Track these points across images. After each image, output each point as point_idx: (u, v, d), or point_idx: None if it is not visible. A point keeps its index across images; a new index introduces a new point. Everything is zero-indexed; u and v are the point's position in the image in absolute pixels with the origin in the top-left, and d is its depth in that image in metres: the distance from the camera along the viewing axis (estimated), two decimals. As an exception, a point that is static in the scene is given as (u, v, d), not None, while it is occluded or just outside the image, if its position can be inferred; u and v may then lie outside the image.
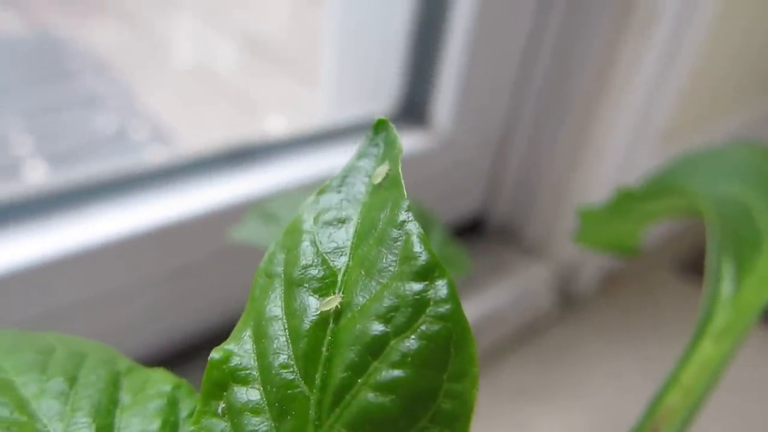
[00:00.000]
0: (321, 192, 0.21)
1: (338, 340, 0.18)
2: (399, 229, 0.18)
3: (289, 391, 0.18)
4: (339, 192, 0.21)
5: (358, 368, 0.17)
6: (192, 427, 0.19)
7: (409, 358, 0.17)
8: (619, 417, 0.66)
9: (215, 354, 0.20)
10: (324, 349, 0.18)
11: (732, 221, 0.32)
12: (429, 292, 0.17)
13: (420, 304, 0.17)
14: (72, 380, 0.22)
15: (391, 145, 0.20)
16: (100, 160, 0.79)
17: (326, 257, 0.19)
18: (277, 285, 0.20)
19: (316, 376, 0.18)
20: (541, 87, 0.72)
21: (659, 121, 0.74)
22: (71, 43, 1.00)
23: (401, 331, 0.17)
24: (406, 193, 0.19)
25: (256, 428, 0.18)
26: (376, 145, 0.21)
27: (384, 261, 0.18)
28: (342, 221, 0.20)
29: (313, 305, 0.19)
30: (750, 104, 1.02)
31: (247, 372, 0.19)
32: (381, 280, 0.18)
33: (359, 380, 0.17)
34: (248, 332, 0.20)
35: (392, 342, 0.17)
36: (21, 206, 0.47)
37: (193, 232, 0.52)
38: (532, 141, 0.75)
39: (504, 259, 0.78)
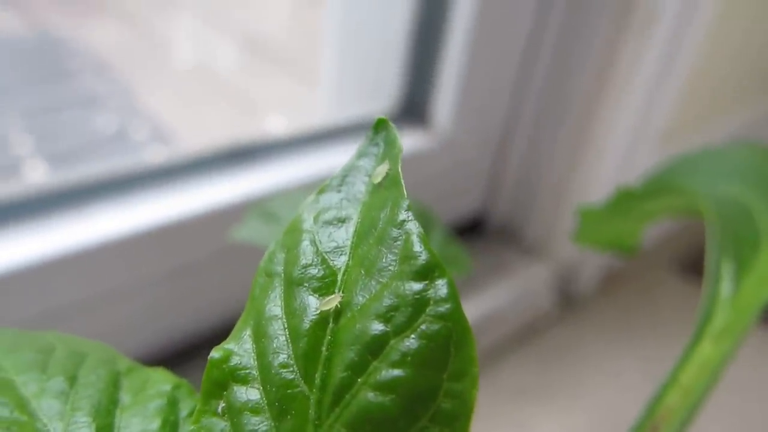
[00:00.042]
0: (321, 191, 0.21)
1: (338, 340, 0.18)
2: (399, 229, 0.18)
3: (288, 391, 0.18)
4: (339, 191, 0.21)
5: (358, 368, 0.17)
6: (192, 427, 0.19)
7: (409, 358, 0.17)
8: (619, 416, 0.66)
9: (215, 353, 0.20)
10: (324, 348, 0.18)
11: (732, 221, 0.32)
12: (429, 292, 0.17)
13: (420, 303, 0.17)
14: (72, 380, 0.22)
15: (391, 144, 0.20)
16: (100, 159, 0.79)
17: (326, 256, 0.20)
18: (277, 284, 0.20)
19: (316, 375, 0.18)
20: (541, 87, 0.72)
21: (659, 121, 0.74)
22: (71, 42, 1.00)
23: (401, 331, 0.17)
24: (406, 193, 0.19)
25: (256, 428, 0.18)
26: (376, 144, 0.21)
27: (384, 260, 0.18)
28: (342, 221, 0.20)
29: (313, 305, 0.19)
30: (750, 104, 1.02)
31: (247, 371, 0.19)
32: (381, 280, 0.18)
33: (359, 380, 0.17)
34: (248, 331, 0.20)
35: (392, 341, 0.17)
36: (21, 206, 0.47)
37: (193, 231, 0.52)
38: (532, 141, 0.75)
39: (504, 259, 0.78)
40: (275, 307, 0.19)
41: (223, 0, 1.13)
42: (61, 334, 0.24)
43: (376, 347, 0.17)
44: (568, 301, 0.81)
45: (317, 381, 0.18)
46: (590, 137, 0.70)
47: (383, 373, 0.17)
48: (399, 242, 0.18)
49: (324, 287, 0.19)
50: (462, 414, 0.17)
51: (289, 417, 0.18)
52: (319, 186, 0.21)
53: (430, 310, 0.17)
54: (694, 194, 0.35)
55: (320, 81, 0.77)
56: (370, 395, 0.17)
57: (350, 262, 0.19)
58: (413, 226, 0.18)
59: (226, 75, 1.05)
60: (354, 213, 0.20)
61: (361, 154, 0.21)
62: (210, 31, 1.11)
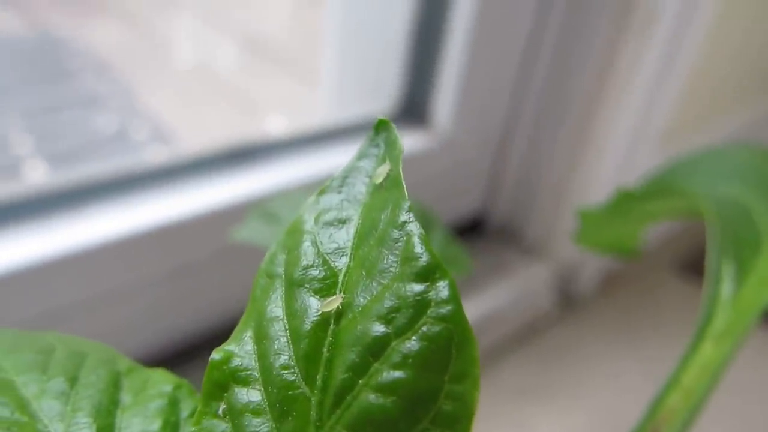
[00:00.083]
0: (322, 192, 0.21)
1: (339, 341, 0.18)
2: (400, 230, 0.18)
3: (290, 392, 0.18)
4: (340, 192, 0.21)
5: (359, 369, 0.17)
6: (193, 428, 0.19)
7: (410, 360, 0.17)
8: (619, 417, 0.66)
9: (216, 355, 0.20)
10: (325, 350, 0.18)
11: (732, 223, 0.32)
12: (430, 293, 0.17)
13: (421, 305, 0.17)
14: (73, 380, 0.22)
15: (392, 145, 0.20)
16: (100, 159, 0.79)
17: (327, 258, 0.19)
18: (278, 285, 0.20)
19: (317, 377, 0.18)
20: (541, 87, 0.72)
21: (659, 121, 0.74)
22: (72, 42, 1.00)
23: (402, 332, 0.17)
24: (407, 194, 0.19)
25: (257, 429, 0.18)
26: (377, 145, 0.21)
27: (385, 262, 0.18)
28: (343, 222, 0.20)
29: (314, 306, 0.19)
30: (750, 104, 1.02)
31: (248, 373, 0.19)
32: (382, 281, 0.18)
33: (360, 381, 0.17)
34: (249, 333, 0.20)
35: (393, 343, 0.17)
36: (21, 206, 0.47)
37: (193, 231, 0.52)
38: (532, 141, 0.75)
39: (504, 259, 0.78)
40: (276, 308, 0.19)
41: (224, 0, 1.13)
42: (62, 334, 0.24)
43: (377, 349, 0.17)
44: (569, 302, 0.81)
45: (318, 382, 0.18)
46: (590, 137, 0.70)
47: (384, 374, 0.17)
48: (400, 243, 0.18)
49: (325, 288, 0.19)
50: (463, 416, 0.17)
51: (290, 418, 0.18)
52: (320, 187, 0.21)
53: (431, 311, 0.17)
54: (695, 195, 0.35)
55: (320, 81, 0.77)
56: (371, 397, 0.17)
57: (351, 264, 0.19)
58: (414, 228, 0.18)
59: (227, 75, 1.05)
60: (355, 214, 0.20)
61: (361, 155, 0.21)
62: (210, 31, 1.11)
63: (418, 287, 0.17)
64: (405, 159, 0.20)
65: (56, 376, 0.22)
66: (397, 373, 0.17)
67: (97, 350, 0.24)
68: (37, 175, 0.72)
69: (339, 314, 0.18)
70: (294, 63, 1.09)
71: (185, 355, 0.56)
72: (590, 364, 0.72)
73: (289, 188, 0.56)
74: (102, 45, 1.03)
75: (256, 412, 0.18)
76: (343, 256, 0.19)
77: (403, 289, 0.17)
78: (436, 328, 0.17)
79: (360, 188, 0.20)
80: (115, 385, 0.22)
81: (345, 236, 0.20)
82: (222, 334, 0.56)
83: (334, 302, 0.18)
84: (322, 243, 0.20)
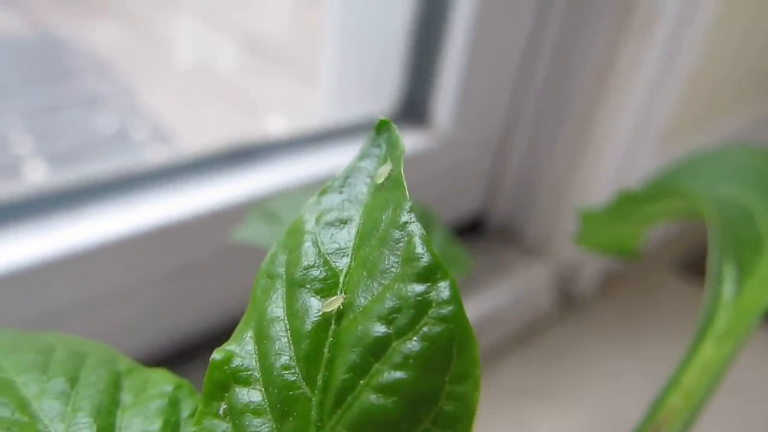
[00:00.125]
0: (323, 193, 0.21)
1: (340, 342, 0.18)
2: (401, 231, 0.18)
3: (290, 393, 0.18)
4: (341, 193, 0.21)
5: (360, 370, 0.17)
6: (193, 428, 0.19)
7: (411, 360, 0.17)
8: (619, 417, 0.66)
9: (217, 355, 0.19)
10: (326, 350, 0.18)
11: (733, 224, 0.32)
12: (431, 294, 0.17)
13: (422, 305, 0.17)
14: (73, 380, 0.22)
15: (393, 145, 0.20)
16: (100, 159, 0.79)
17: (328, 258, 0.19)
18: (278, 286, 0.20)
19: (318, 377, 0.18)
20: (541, 87, 0.72)
21: (659, 122, 0.74)
22: (72, 42, 1.00)
23: (403, 333, 0.17)
24: (408, 194, 0.19)
25: (258, 429, 0.18)
26: (378, 145, 0.21)
27: (386, 262, 0.18)
28: (344, 222, 0.20)
29: (315, 306, 0.19)
30: (750, 104, 1.02)
31: (249, 373, 0.19)
32: (383, 282, 0.18)
33: (361, 382, 0.17)
34: (250, 333, 0.20)
35: (394, 343, 0.17)
36: (21, 206, 0.47)
37: (193, 231, 0.52)
38: (532, 141, 0.75)
39: (504, 259, 0.78)
40: (277, 308, 0.19)
41: (224, 0, 1.13)
42: (62, 334, 0.24)
43: (378, 349, 0.17)
44: (569, 302, 0.81)
45: (319, 383, 0.18)
46: (590, 137, 0.70)
47: (385, 375, 0.17)
48: (401, 244, 0.18)
49: (326, 289, 0.19)
50: (464, 416, 0.17)
51: (290, 419, 0.18)
52: (321, 187, 0.21)
53: (432, 312, 0.17)
54: (695, 196, 0.35)
55: (320, 81, 0.77)
56: (372, 397, 0.17)
57: (352, 264, 0.19)
58: (415, 228, 0.18)
59: (227, 75, 1.05)
60: (356, 214, 0.20)
61: (363, 155, 0.21)
62: (210, 31, 1.11)
63: (419, 288, 0.17)
64: (405, 159, 0.20)
65: (56, 376, 0.22)
66: (398, 374, 0.17)
67: (98, 350, 0.24)
68: (37, 175, 0.72)
69: (340, 314, 0.18)
70: (294, 63, 1.09)
71: (185, 355, 0.56)
72: (590, 364, 0.72)
73: (290, 188, 0.56)
74: (102, 45, 1.03)
75: (257, 412, 0.18)
76: (344, 256, 0.19)
77: (404, 289, 0.17)
78: (437, 329, 0.17)
79: (361, 188, 0.20)
80: (115, 385, 0.22)
81: (346, 236, 0.20)
82: (222, 334, 0.56)
83: (335, 302, 0.18)
84: (323, 243, 0.20)
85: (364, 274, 0.18)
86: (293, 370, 0.18)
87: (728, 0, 0.76)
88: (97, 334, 0.50)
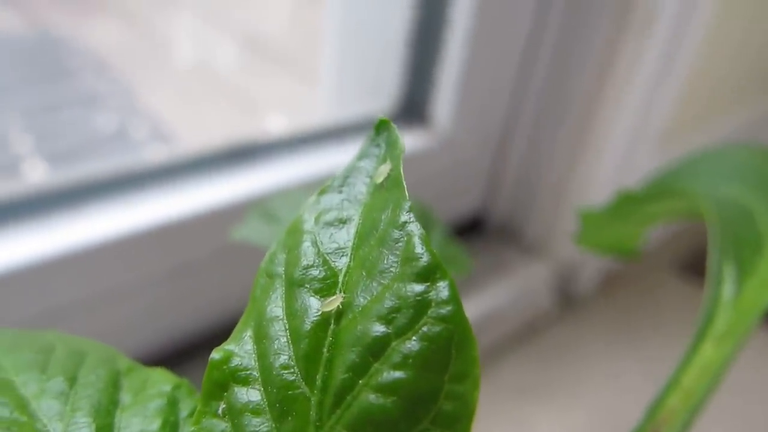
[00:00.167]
0: (322, 192, 0.21)
1: (339, 341, 0.18)
2: (400, 230, 0.18)
3: (289, 392, 0.18)
4: (340, 192, 0.21)
5: (359, 369, 0.17)
6: (192, 428, 0.19)
7: (411, 360, 0.17)
8: (619, 417, 0.66)
9: (216, 354, 0.19)
10: (325, 350, 0.18)
11: (733, 224, 0.32)
12: (430, 294, 0.17)
13: (421, 305, 0.17)
14: (72, 380, 0.22)
15: (392, 145, 0.20)
16: (100, 159, 0.79)
17: (327, 258, 0.19)
18: (278, 285, 0.20)
19: (317, 377, 0.18)
20: (540, 87, 0.72)
21: (658, 122, 0.74)
22: (72, 41, 1.00)
23: (402, 333, 0.17)
24: (407, 194, 0.19)
25: (257, 429, 0.18)
26: (378, 145, 0.21)
27: (385, 262, 0.18)
28: (343, 222, 0.20)
29: (314, 306, 0.19)
30: (749, 104, 1.02)
31: (248, 372, 0.19)
32: (382, 281, 0.18)
33: (360, 381, 0.17)
34: (249, 333, 0.20)
35: (393, 343, 0.17)
36: (21, 205, 0.47)
37: (193, 231, 0.52)
38: (532, 141, 0.75)
39: (504, 259, 0.78)
40: (276, 308, 0.19)
41: (223, -1, 1.13)
42: (61, 333, 0.24)
43: (377, 349, 0.17)
44: (568, 301, 0.81)
45: (318, 382, 0.18)
46: (590, 137, 0.70)
47: (384, 374, 0.17)
48: (400, 244, 0.18)
49: (325, 288, 0.19)
50: (463, 415, 0.17)
51: (290, 418, 0.18)
52: (320, 187, 0.21)
53: (431, 312, 0.17)
54: (695, 196, 0.35)
55: (320, 80, 0.77)
56: (372, 397, 0.17)
57: (351, 264, 0.19)
58: (415, 228, 0.18)
59: (227, 74, 1.05)
60: (355, 214, 0.20)
61: (362, 155, 0.21)
62: (210, 30, 1.11)
63: (418, 287, 0.17)
64: (404, 158, 0.20)
65: (56, 375, 0.22)
66: (398, 374, 0.17)
67: (97, 349, 0.24)
68: (36, 174, 0.72)
69: (339, 314, 0.18)
70: (294, 62, 1.09)
71: (185, 355, 0.56)
72: (590, 364, 0.72)
73: (289, 187, 0.56)
74: (102, 44, 1.03)
75: (256, 411, 0.18)
76: (343, 256, 0.19)
77: (404, 289, 0.17)
78: (437, 329, 0.17)
79: (361, 188, 0.20)
80: (114, 384, 0.22)
81: (345, 236, 0.20)
82: (222, 333, 0.56)
83: (335, 302, 0.18)
84: (322, 243, 0.20)
85: (364, 273, 0.18)
86: (292, 370, 0.18)
87: (727, 0, 0.76)
88: (96, 334, 0.50)
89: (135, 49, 1.05)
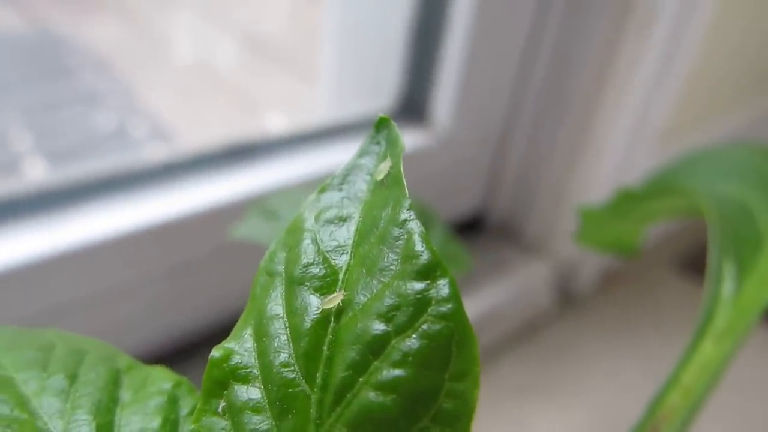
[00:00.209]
0: (322, 190, 0.21)
1: (339, 339, 0.18)
2: (401, 228, 0.18)
3: (290, 390, 0.18)
4: (340, 190, 0.21)
5: (360, 367, 0.17)
6: (192, 426, 0.19)
7: (411, 358, 0.17)
8: (619, 415, 0.66)
9: (216, 352, 0.19)
10: (325, 347, 0.18)
11: (733, 221, 0.32)
12: (431, 292, 0.17)
13: (421, 303, 0.17)
14: (72, 378, 0.22)
15: (393, 143, 0.20)
16: (99, 157, 0.79)
17: (327, 256, 0.19)
18: (278, 283, 0.20)
19: (317, 374, 0.18)
20: (540, 86, 0.72)
21: (658, 121, 0.74)
22: (71, 40, 1.00)
23: (402, 331, 0.17)
24: (407, 192, 0.19)
25: (257, 427, 0.18)
26: (378, 143, 0.21)
27: (385, 260, 0.18)
28: (343, 219, 0.20)
29: (315, 304, 0.19)
30: (748, 104, 1.02)
31: (248, 370, 0.19)
32: (382, 279, 0.18)
33: (360, 379, 0.17)
34: (249, 330, 0.20)
35: (393, 341, 0.17)
36: (20, 203, 0.47)
37: (193, 229, 0.52)
38: (532, 140, 0.75)
39: (503, 257, 0.78)
40: (276, 306, 0.19)
41: (223, -3, 1.13)
42: (61, 331, 0.24)
43: (377, 347, 0.17)
44: (568, 299, 0.81)
45: (318, 380, 0.18)
46: (589, 136, 0.70)
47: (384, 372, 0.17)
48: (401, 241, 0.18)
49: (325, 286, 0.19)
50: (463, 414, 0.17)
51: (290, 416, 0.18)
52: (321, 184, 0.21)
53: (431, 309, 0.17)
54: (695, 194, 0.35)
55: (320, 79, 0.77)
56: (372, 395, 0.17)
57: (352, 261, 0.19)
58: (415, 226, 0.18)
59: (226, 72, 1.05)
60: (355, 212, 0.20)
61: (362, 153, 0.21)
62: (210, 28, 1.11)
63: (418, 285, 0.17)
64: (404, 157, 0.20)
65: (56, 373, 0.22)
66: (398, 372, 0.17)
67: (97, 347, 0.24)
68: (36, 172, 0.72)
69: (339, 312, 0.18)
70: (293, 61, 1.09)
71: (185, 353, 0.56)
72: (590, 362, 0.72)
73: (289, 185, 0.56)
74: (101, 42, 1.03)
75: (256, 409, 0.18)
76: (343, 254, 0.19)
77: (404, 287, 0.17)
78: (437, 327, 0.17)
79: (361, 186, 0.20)
80: (114, 382, 0.22)
81: (345, 234, 0.20)
82: (221, 331, 0.56)
83: (335, 300, 0.18)
84: (322, 241, 0.20)
85: (364, 271, 0.18)
86: (292, 368, 0.18)
87: (726, 0, 0.76)
88: (96, 332, 0.50)
89: (135, 48, 1.05)
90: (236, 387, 0.19)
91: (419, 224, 0.18)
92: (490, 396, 0.66)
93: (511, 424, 0.64)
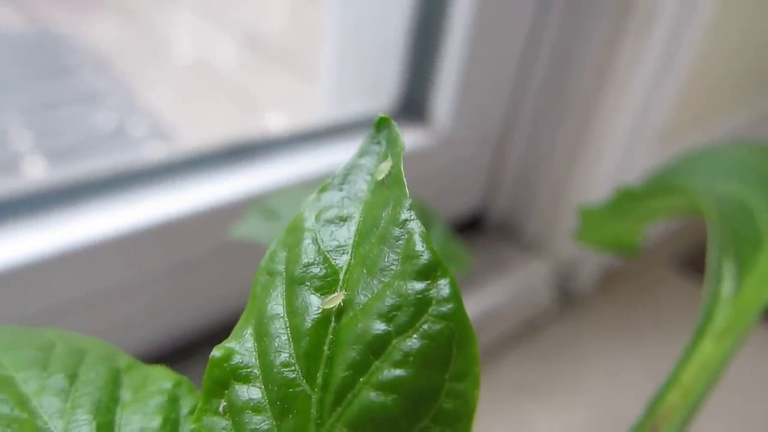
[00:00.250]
0: (322, 190, 0.21)
1: (340, 339, 0.18)
2: (401, 228, 0.18)
3: (290, 390, 0.18)
4: (341, 190, 0.21)
5: (360, 367, 0.17)
6: (193, 425, 0.19)
7: (411, 358, 0.17)
8: (618, 414, 0.66)
9: (216, 352, 0.19)
10: (326, 347, 0.18)
11: (732, 220, 0.32)
12: (431, 292, 0.17)
13: (422, 303, 0.17)
14: (72, 377, 0.22)
15: (393, 143, 0.20)
16: (99, 156, 0.79)
17: (328, 255, 0.19)
18: (278, 283, 0.20)
19: (318, 374, 0.18)
20: (540, 86, 0.72)
21: (657, 121, 0.74)
22: (71, 39, 1.00)
23: (403, 330, 0.17)
24: (408, 192, 0.19)
25: (258, 427, 0.18)
26: (378, 143, 0.21)
27: (386, 260, 0.18)
28: (344, 219, 0.20)
29: (315, 303, 0.19)
30: (747, 104, 1.02)
31: (249, 370, 0.19)
32: (383, 279, 0.18)
33: (361, 379, 0.17)
34: (249, 330, 0.20)
35: (394, 341, 0.17)
36: (20, 202, 0.47)
37: (193, 228, 0.52)
38: (532, 139, 0.75)
39: (503, 256, 0.78)
40: (277, 305, 0.19)
41: (223, -4, 1.13)
42: (61, 331, 0.24)
43: (378, 347, 0.17)
44: (568, 298, 0.81)
45: (319, 380, 0.18)
46: (589, 136, 0.70)
47: (385, 372, 0.17)
48: (401, 241, 0.18)
49: (326, 286, 0.19)
50: (464, 414, 0.17)
51: (290, 416, 0.18)
52: (321, 184, 0.21)
53: (432, 309, 0.17)
54: (695, 193, 0.35)
55: (320, 78, 0.77)
56: (372, 395, 0.17)
57: (352, 261, 0.19)
58: (415, 226, 0.18)
59: (226, 72, 1.05)
60: (356, 212, 0.20)
61: (362, 153, 0.21)
62: (210, 27, 1.11)
63: (419, 285, 0.17)
64: (404, 156, 0.20)
65: (56, 372, 0.22)
66: (398, 371, 0.17)
67: (97, 347, 0.24)
68: (36, 172, 0.72)
69: (340, 312, 0.18)
70: (293, 60, 1.09)
71: (185, 352, 0.56)
72: (589, 361, 0.73)
73: (289, 185, 0.56)
74: (101, 41, 1.03)
75: (257, 409, 0.18)
76: (344, 253, 0.19)
77: (404, 287, 0.17)
78: (437, 327, 0.17)
79: (361, 186, 0.20)
80: (114, 382, 0.22)
81: (346, 234, 0.20)
82: (221, 331, 0.56)
83: (335, 300, 0.18)
84: (323, 240, 0.20)
85: (364, 271, 0.18)
86: (293, 368, 0.18)
87: (726, 0, 0.76)
88: (96, 331, 0.50)
89: (134, 47, 1.05)
90: (237, 386, 0.19)
91: (420, 224, 0.18)
92: (490, 395, 0.66)
93: (510, 423, 0.64)
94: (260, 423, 0.18)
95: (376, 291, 0.18)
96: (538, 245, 0.79)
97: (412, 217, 0.18)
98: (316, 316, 0.18)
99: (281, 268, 0.20)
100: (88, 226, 0.48)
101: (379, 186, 0.20)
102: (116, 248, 0.48)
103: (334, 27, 0.71)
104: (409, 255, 0.18)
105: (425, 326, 0.17)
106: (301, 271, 0.19)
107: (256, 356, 0.19)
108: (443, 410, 0.17)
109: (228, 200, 0.53)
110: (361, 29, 0.69)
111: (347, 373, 0.17)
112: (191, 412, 0.21)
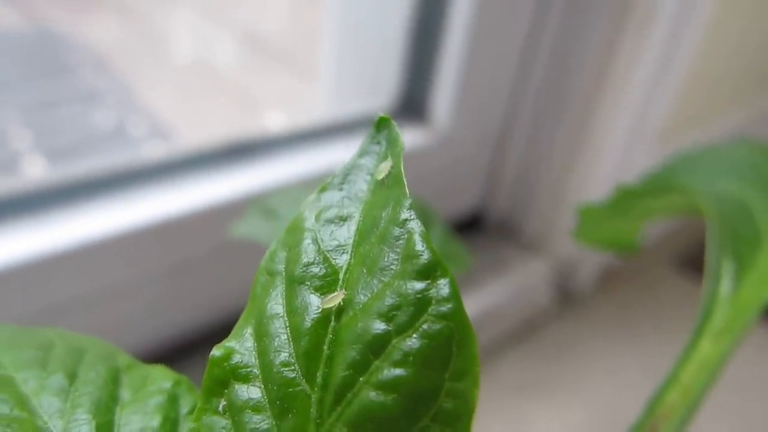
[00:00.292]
0: (322, 190, 0.21)
1: (340, 339, 0.18)
2: (401, 228, 0.18)
3: (290, 390, 0.18)
4: (341, 190, 0.21)
5: (360, 367, 0.17)
6: (193, 424, 0.19)
7: (411, 357, 0.17)
8: (617, 413, 0.66)
9: (216, 351, 0.19)
10: (325, 347, 0.18)
11: (732, 219, 0.32)
12: (431, 291, 0.17)
13: (422, 302, 0.17)
14: (72, 377, 0.22)
15: (393, 142, 0.20)
16: (98, 155, 0.79)
17: (328, 255, 0.19)
18: (278, 283, 0.20)
19: (318, 374, 0.18)
20: (539, 85, 0.72)
21: (656, 121, 0.74)
22: (70, 38, 1.00)
23: (403, 330, 0.17)
24: (408, 191, 0.19)
25: (257, 426, 0.18)
26: (378, 142, 0.21)
27: (386, 259, 0.18)
28: (344, 219, 0.20)
29: (315, 303, 0.19)
30: (746, 104, 1.02)
31: (248, 370, 0.19)
32: (383, 279, 0.18)
33: (361, 379, 0.17)
34: (249, 330, 0.20)
35: (394, 341, 0.17)
36: (19, 201, 0.47)
37: (192, 227, 0.52)
38: (531, 139, 0.75)
39: (503, 256, 0.78)
40: (277, 305, 0.19)
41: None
42: (61, 330, 0.24)
43: (377, 346, 0.17)
44: (567, 298, 0.81)
45: (319, 380, 0.18)
46: (588, 136, 0.70)
47: (385, 372, 0.17)
48: (401, 241, 0.18)
49: (326, 286, 0.19)
50: (464, 413, 0.17)
51: (290, 416, 0.18)
52: (321, 184, 0.21)
53: (432, 309, 0.17)
54: (694, 192, 0.35)
55: (319, 77, 0.77)
56: (372, 394, 0.17)
57: (352, 261, 0.19)
58: (415, 225, 0.18)
59: (226, 71, 1.05)
60: (356, 211, 0.20)
61: (362, 152, 0.21)
62: (209, 26, 1.11)
63: (419, 285, 0.17)
64: (404, 156, 0.20)
65: (56, 372, 0.22)
66: (398, 371, 0.17)
67: (97, 346, 0.24)
68: (35, 171, 0.72)
69: (340, 311, 0.18)
70: (293, 59, 1.09)
71: (184, 352, 0.56)
72: (589, 360, 0.73)
73: (288, 184, 0.56)
74: (100, 40, 1.03)
75: (257, 409, 0.18)
76: (343, 253, 0.19)
77: (404, 286, 0.17)
78: (437, 326, 0.17)
79: (361, 185, 0.20)
80: (114, 381, 0.22)
81: (346, 233, 0.20)
82: (221, 330, 0.56)
83: (335, 299, 0.18)
84: (322, 240, 0.20)
85: (364, 271, 0.18)
86: (293, 367, 0.18)
87: (725, 0, 0.76)
88: (96, 330, 0.50)
89: (134, 46, 1.05)
90: (236, 386, 0.19)
91: (420, 224, 0.18)
92: (489, 394, 0.66)
93: (510, 422, 0.64)
94: (260, 422, 0.18)
95: (376, 290, 0.18)
96: (537, 244, 0.79)
97: (412, 217, 0.18)
98: (315, 316, 0.18)
99: (281, 267, 0.20)
100: (88, 225, 0.48)
101: (379, 186, 0.20)
102: (116, 247, 0.48)
103: (333, 26, 0.71)
104: (409, 255, 0.18)
105: (425, 326, 0.17)
106: (301, 270, 0.19)
107: (256, 356, 0.19)
108: (443, 410, 0.17)
109: (228, 200, 0.53)
110: (360, 29, 0.69)
111: (347, 372, 0.17)
112: (191, 411, 0.21)
